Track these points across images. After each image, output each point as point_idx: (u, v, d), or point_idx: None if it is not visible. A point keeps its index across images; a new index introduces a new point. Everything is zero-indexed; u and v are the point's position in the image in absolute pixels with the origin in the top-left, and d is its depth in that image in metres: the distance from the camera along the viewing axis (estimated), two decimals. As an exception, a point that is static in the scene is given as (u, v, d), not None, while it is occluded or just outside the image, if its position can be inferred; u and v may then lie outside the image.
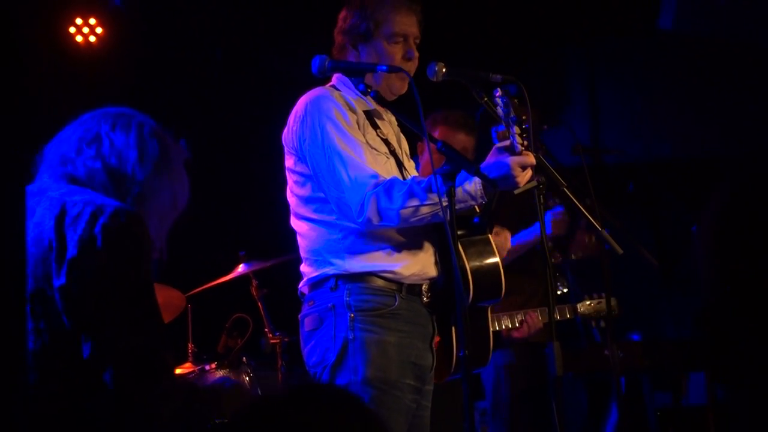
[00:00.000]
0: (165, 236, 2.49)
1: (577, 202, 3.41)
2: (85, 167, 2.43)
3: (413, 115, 2.99)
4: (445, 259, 3.29)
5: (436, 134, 4.44)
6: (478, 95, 3.17)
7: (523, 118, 3.00)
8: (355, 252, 3.18)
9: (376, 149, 3.25)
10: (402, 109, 3.34)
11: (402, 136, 3.51)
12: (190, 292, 5.03)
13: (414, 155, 3.93)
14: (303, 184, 3.26)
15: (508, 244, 3.55)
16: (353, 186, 3.10)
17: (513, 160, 3.00)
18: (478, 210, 3.33)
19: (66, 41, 5.78)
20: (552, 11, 6.53)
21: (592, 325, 4.74)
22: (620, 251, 3.38)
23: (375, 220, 3.08)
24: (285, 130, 3.32)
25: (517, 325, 4.47)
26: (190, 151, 2.61)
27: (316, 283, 3.24)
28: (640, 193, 6.85)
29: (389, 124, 3.43)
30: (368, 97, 3.28)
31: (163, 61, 6.07)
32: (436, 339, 3.30)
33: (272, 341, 5.01)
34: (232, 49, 6.35)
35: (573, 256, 4.86)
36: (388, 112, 3.42)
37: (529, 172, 3.04)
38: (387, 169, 3.23)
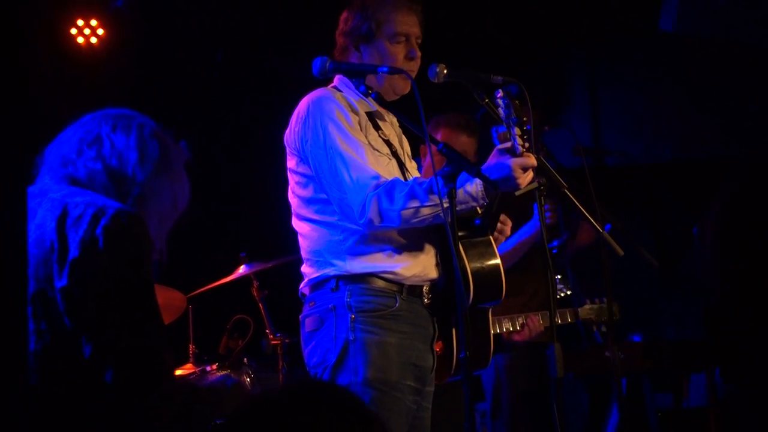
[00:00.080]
0: (165, 237, 2.50)
1: (577, 203, 3.41)
2: (86, 168, 2.43)
3: (415, 116, 2.99)
4: (446, 261, 3.29)
5: (439, 136, 4.44)
6: (479, 96, 3.17)
7: (524, 119, 3.00)
8: (356, 253, 3.18)
9: (377, 150, 3.25)
10: (403, 110, 3.34)
11: (404, 137, 3.51)
12: (191, 293, 5.04)
13: (416, 157, 3.93)
14: (305, 185, 3.26)
15: (508, 232, 3.53)
16: (355, 187, 3.10)
17: (514, 162, 3.00)
18: (479, 211, 3.33)
19: (67, 42, 5.78)
20: (553, 12, 6.53)
21: (593, 328, 4.74)
22: (621, 252, 3.38)
23: (376, 221, 3.08)
24: (287, 131, 3.32)
25: (518, 328, 4.47)
26: (190, 152, 2.61)
27: (317, 284, 3.24)
28: (641, 193, 6.86)
29: (391, 125, 3.44)
30: (369, 98, 3.28)
31: (164, 63, 6.08)
32: (438, 344, 3.30)
33: (273, 342, 5.01)
34: (232, 50, 6.35)
35: (579, 245, 4.85)
36: (390, 113, 3.42)
37: (530, 174, 3.04)
38: (388, 171, 3.23)
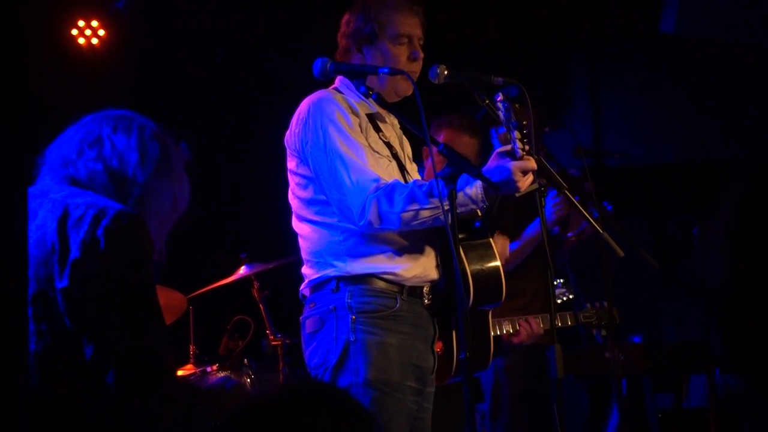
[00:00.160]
0: (165, 238, 2.50)
1: (578, 204, 3.41)
2: (87, 169, 2.43)
3: (416, 117, 2.99)
4: (447, 263, 3.29)
5: (441, 138, 4.44)
6: (480, 98, 3.18)
7: (524, 123, 3.00)
8: (356, 254, 3.19)
9: (378, 152, 3.25)
10: (404, 111, 3.34)
11: (405, 139, 3.51)
12: (192, 294, 5.04)
13: (418, 159, 3.93)
14: (305, 187, 3.27)
15: (507, 252, 3.56)
16: (355, 189, 3.10)
17: (514, 165, 3.00)
18: (479, 214, 3.34)
19: (68, 43, 5.79)
20: (554, 14, 6.53)
21: (593, 329, 4.74)
22: (621, 253, 3.38)
23: (376, 223, 3.08)
24: (287, 132, 3.32)
25: (518, 330, 4.47)
26: (191, 153, 2.61)
27: (318, 285, 3.24)
28: (641, 195, 6.86)
29: (392, 127, 3.44)
30: (370, 99, 3.29)
31: (165, 63, 6.08)
32: (438, 345, 3.30)
33: (273, 343, 5.01)
34: (233, 51, 6.35)
35: (574, 238, 4.85)
36: (391, 114, 3.42)
37: (530, 177, 3.04)
38: (389, 173, 3.23)
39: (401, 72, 3.23)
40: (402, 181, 3.22)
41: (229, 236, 6.18)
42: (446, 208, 2.95)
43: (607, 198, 4.83)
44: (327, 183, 3.17)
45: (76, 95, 5.58)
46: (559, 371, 2.98)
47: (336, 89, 3.38)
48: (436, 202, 3.01)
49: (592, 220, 3.41)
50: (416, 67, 3.34)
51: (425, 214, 3.05)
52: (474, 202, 3.06)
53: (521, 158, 3.01)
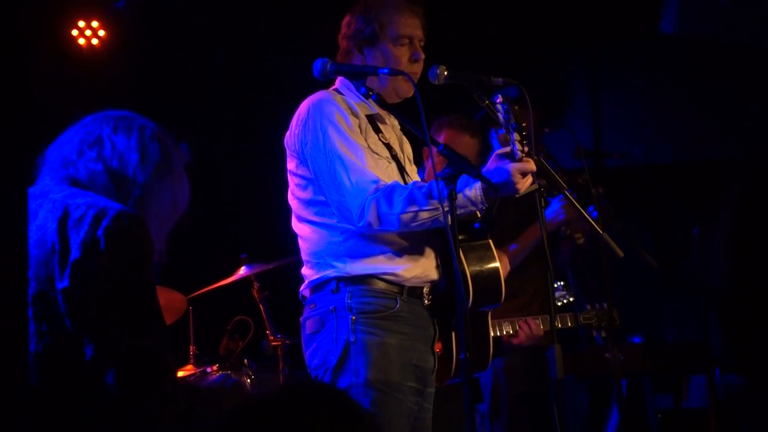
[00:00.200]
0: (165, 239, 2.50)
1: (578, 205, 3.42)
2: (87, 169, 2.43)
3: (416, 118, 3.00)
4: (446, 264, 3.29)
5: (442, 138, 4.44)
6: (479, 98, 3.18)
7: (524, 125, 3.00)
8: (356, 255, 3.19)
9: (377, 153, 3.25)
10: (405, 112, 3.34)
11: (405, 140, 3.51)
12: (192, 295, 5.04)
13: (419, 160, 3.93)
14: (304, 187, 3.27)
15: (507, 268, 3.56)
16: (354, 190, 3.10)
17: (513, 167, 3.00)
18: (478, 215, 3.34)
19: (68, 44, 5.79)
20: (554, 14, 6.53)
21: (593, 330, 4.74)
22: (621, 254, 3.39)
23: (375, 224, 3.08)
24: (287, 133, 3.32)
25: (518, 330, 4.47)
26: (191, 154, 2.61)
27: (318, 285, 3.24)
28: (641, 195, 6.86)
29: (392, 128, 3.44)
30: (370, 100, 3.29)
31: (165, 64, 6.08)
32: (438, 345, 3.31)
33: (274, 343, 5.02)
34: (233, 51, 6.36)
35: (579, 240, 4.84)
36: (391, 116, 3.42)
37: (529, 179, 3.04)
38: (388, 174, 3.23)
39: (401, 72, 3.23)
40: (401, 183, 3.22)
41: (229, 237, 6.18)
42: (446, 209, 2.95)
43: (607, 198, 4.83)
44: (326, 184, 3.17)
45: (77, 96, 5.59)
46: (559, 372, 2.98)
47: (336, 90, 3.38)
48: (435, 203, 3.01)
49: (592, 221, 3.41)
50: (417, 69, 3.35)
51: (424, 215, 3.06)
52: (473, 203, 3.06)
53: (520, 160, 3.01)
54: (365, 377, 3.10)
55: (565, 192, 3.31)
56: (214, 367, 4.70)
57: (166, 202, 2.49)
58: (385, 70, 3.21)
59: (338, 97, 3.31)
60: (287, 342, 4.99)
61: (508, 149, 3.05)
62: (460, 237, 3.09)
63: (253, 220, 6.29)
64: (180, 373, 4.69)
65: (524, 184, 3.03)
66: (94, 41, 5.84)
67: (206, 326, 5.16)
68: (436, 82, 3.20)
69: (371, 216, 3.07)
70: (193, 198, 2.56)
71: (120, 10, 5.82)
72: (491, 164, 3.08)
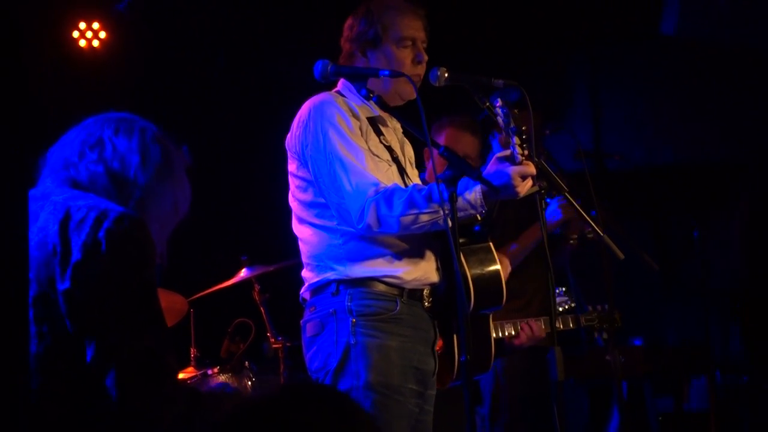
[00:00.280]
0: (166, 241, 2.50)
1: (578, 207, 3.41)
2: (88, 171, 2.43)
3: (417, 119, 3.00)
4: (447, 267, 3.29)
5: (443, 137, 4.44)
6: (480, 100, 3.18)
7: (523, 128, 3.01)
8: (356, 257, 3.18)
9: (378, 156, 3.25)
10: (406, 113, 3.34)
11: (406, 142, 3.51)
12: (193, 297, 5.04)
13: (420, 162, 3.93)
14: (305, 189, 3.26)
15: (508, 270, 3.56)
16: (354, 192, 3.10)
17: (513, 170, 3.00)
18: (478, 218, 3.34)
19: (69, 45, 5.80)
20: (554, 16, 6.53)
21: (594, 333, 4.74)
22: (621, 256, 3.39)
23: (375, 226, 3.08)
24: (288, 135, 3.32)
25: (519, 332, 4.46)
26: (192, 156, 2.61)
27: (318, 288, 3.24)
28: (642, 197, 6.86)
29: (393, 131, 3.43)
30: (371, 102, 3.28)
31: (166, 66, 6.09)
32: (439, 343, 3.30)
33: (274, 346, 5.01)
34: (234, 53, 6.36)
35: (572, 241, 4.84)
36: (393, 118, 3.42)
37: (529, 182, 3.04)
38: (388, 177, 3.23)
39: (403, 74, 3.23)
40: (401, 185, 3.22)
41: (229, 239, 6.18)
42: (446, 212, 2.95)
43: (607, 199, 4.82)
44: (326, 186, 3.17)
45: (77, 97, 5.59)
46: (560, 374, 2.98)
47: (338, 92, 3.37)
48: (435, 206, 3.01)
49: (593, 223, 3.41)
50: (421, 70, 3.35)
51: (424, 218, 3.05)
52: (473, 207, 3.06)
53: (520, 163, 3.01)
54: (366, 380, 3.09)
55: (565, 194, 3.31)
56: (215, 369, 4.70)
57: (167, 204, 2.48)
58: (387, 72, 3.21)
59: (340, 98, 3.30)
60: (288, 344, 4.98)
61: (508, 152, 3.05)
62: (460, 240, 3.09)
63: (254, 222, 6.29)
64: (181, 376, 4.69)
65: (524, 188, 3.03)
66: (95, 43, 5.85)
67: (207, 328, 5.16)
68: (437, 84, 3.20)
69: (371, 218, 3.07)
70: (194, 200, 2.56)
71: (121, 12, 5.83)
72: (491, 167, 3.08)
